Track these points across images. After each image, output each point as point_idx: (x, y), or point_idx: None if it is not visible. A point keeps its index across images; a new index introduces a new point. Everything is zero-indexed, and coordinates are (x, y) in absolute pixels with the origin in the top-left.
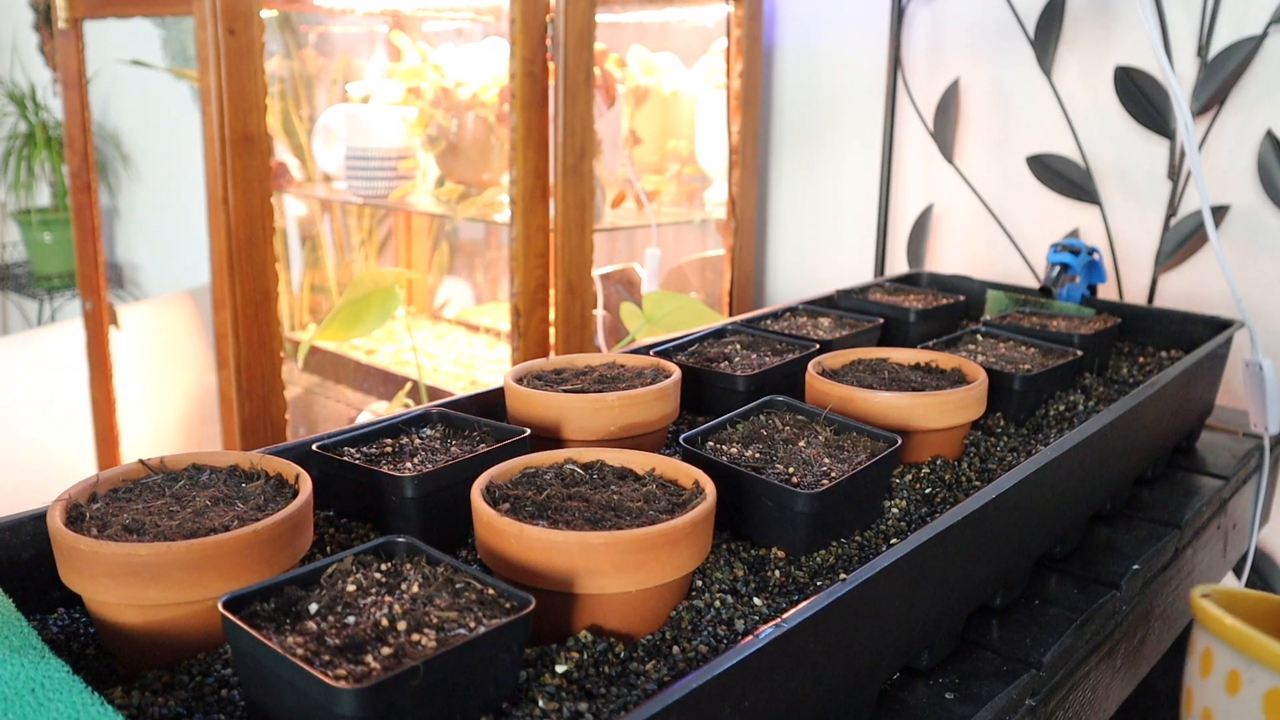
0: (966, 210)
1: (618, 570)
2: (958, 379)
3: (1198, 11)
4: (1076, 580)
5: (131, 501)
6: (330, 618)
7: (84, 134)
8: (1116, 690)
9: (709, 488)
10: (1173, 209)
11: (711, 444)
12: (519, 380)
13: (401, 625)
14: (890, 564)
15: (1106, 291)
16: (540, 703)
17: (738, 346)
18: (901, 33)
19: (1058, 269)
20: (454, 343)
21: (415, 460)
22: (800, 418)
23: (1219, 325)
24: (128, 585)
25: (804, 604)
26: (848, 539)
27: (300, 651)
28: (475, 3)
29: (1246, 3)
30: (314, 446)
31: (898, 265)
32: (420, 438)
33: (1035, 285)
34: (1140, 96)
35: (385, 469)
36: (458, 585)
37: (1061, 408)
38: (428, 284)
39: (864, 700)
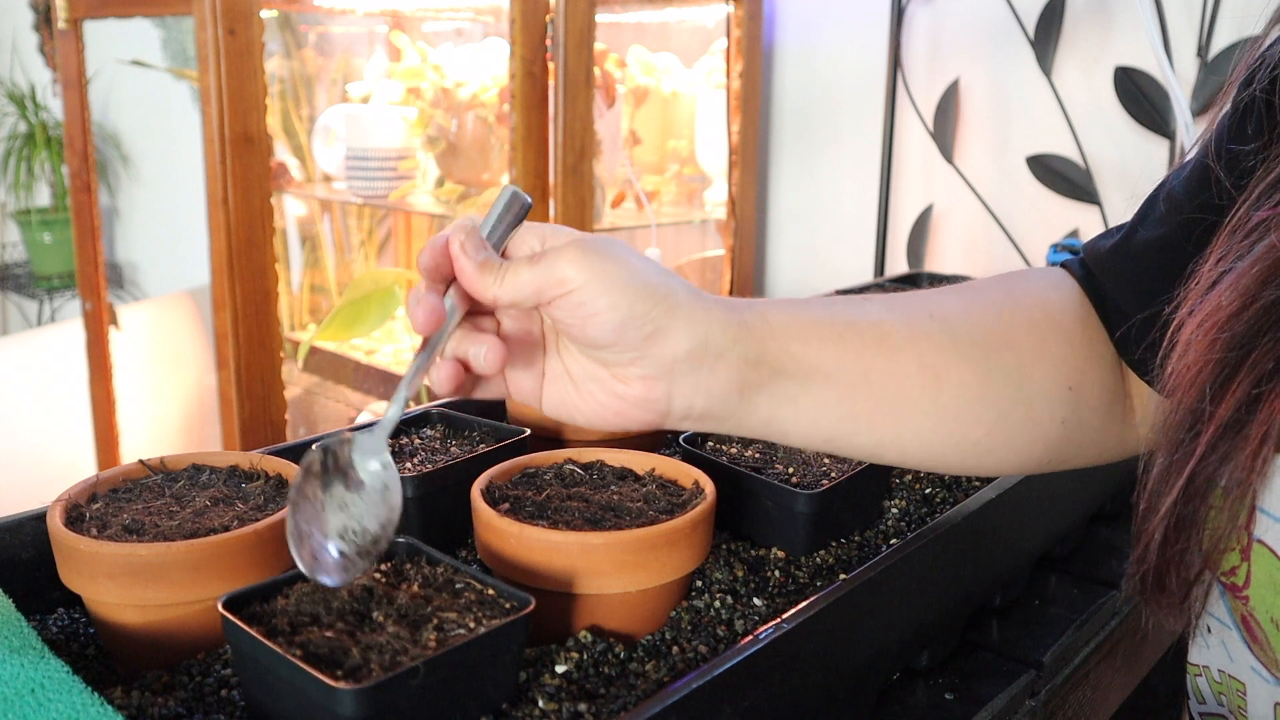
0: (966, 210)
1: (618, 570)
2: None
3: (1198, 11)
4: (1076, 580)
5: (131, 502)
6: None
7: (84, 134)
8: (1116, 690)
9: (709, 488)
10: None
11: (711, 444)
12: None
13: (402, 625)
14: (890, 564)
15: None
16: (540, 703)
17: None
18: (901, 33)
19: None
20: None
21: (415, 460)
22: None
23: None
24: (128, 585)
25: (804, 604)
26: (848, 539)
27: (300, 651)
28: (475, 3)
29: (1246, 3)
30: (314, 447)
31: (898, 265)
32: (420, 438)
33: None
34: (1140, 96)
35: None
36: (458, 585)
37: None
38: None
39: (864, 700)
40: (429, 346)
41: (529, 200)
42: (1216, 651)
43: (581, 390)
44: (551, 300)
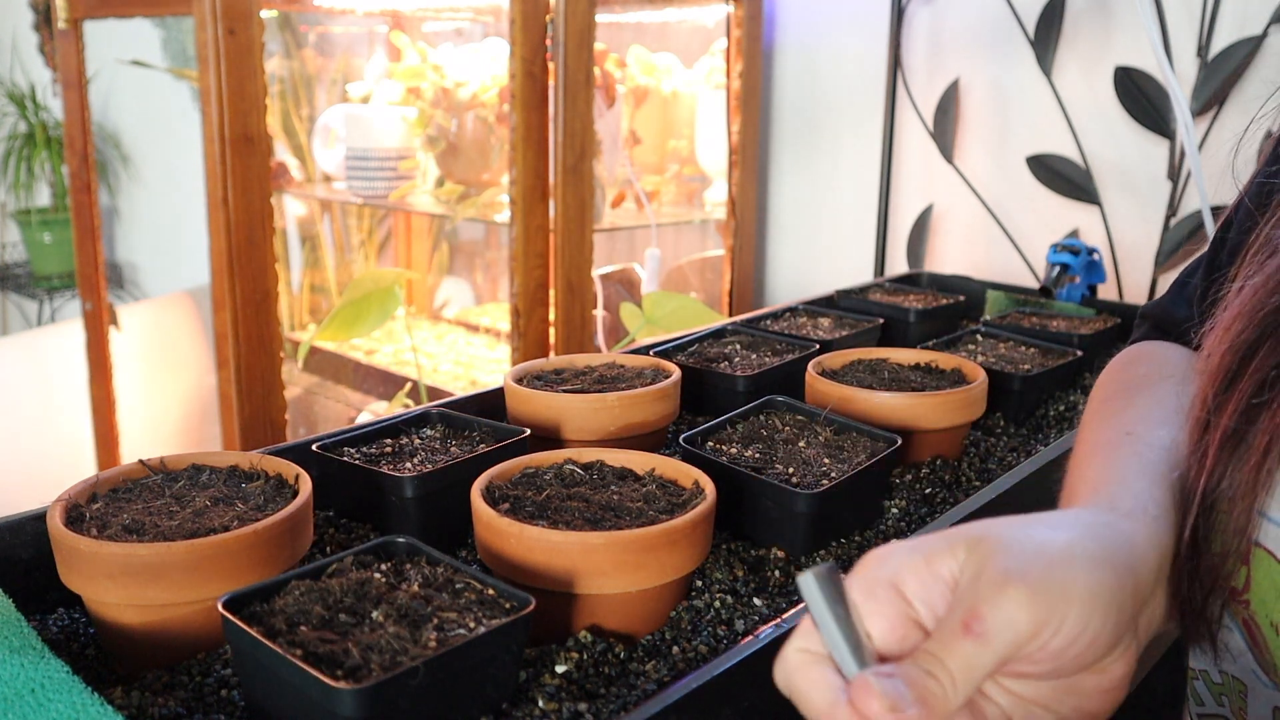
0: (966, 210)
1: (618, 570)
2: (958, 379)
3: (1198, 11)
4: None
5: (131, 502)
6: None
7: (84, 134)
8: None
9: (709, 488)
10: (1173, 209)
11: (711, 444)
12: (519, 380)
13: (402, 625)
14: None
15: (1106, 291)
16: (540, 703)
17: (738, 346)
18: (901, 33)
19: (1058, 269)
20: (454, 343)
21: (415, 460)
22: (800, 418)
23: None
24: (128, 585)
25: (804, 604)
26: (848, 539)
27: (300, 651)
28: (475, 3)
29: (1246, 3)
30: (314, 446)
31: (898, 265)
32: (420, 438)
33: (1035, 285)
34: (1140, 96)
35: (385, 469)
36: (458, 585)
37: (1061, 408)
38: (428, 284)
39: None
40: None
41: (834, 566)
42: (1219, 652)
43: (1064, 715)
44: (1023, 659)
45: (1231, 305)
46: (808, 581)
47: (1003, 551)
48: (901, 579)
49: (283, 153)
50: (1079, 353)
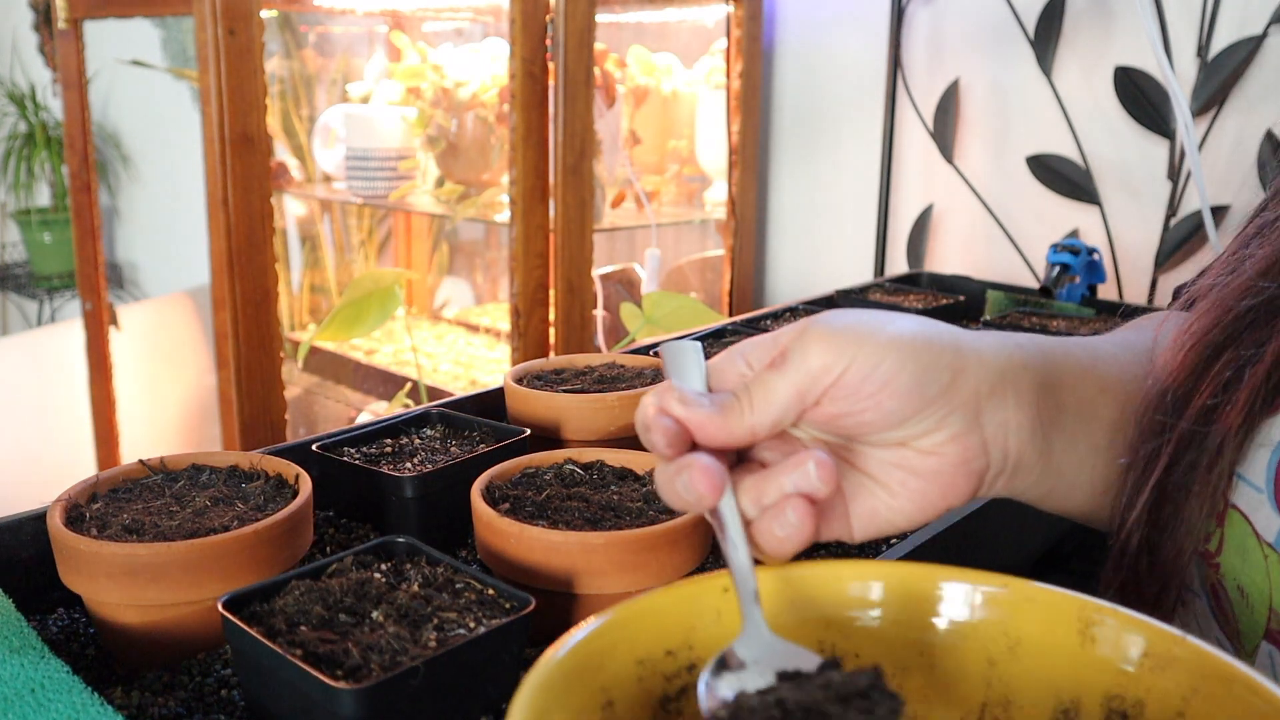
0: (966, 210)
1: (618, 570)
2: None
3: (1198, 11)
4: (1076, 580)
5: (131, 501)
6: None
7: (84, 134)
8: None
9: None
10: (1173, 209)
11: None
12: (519, 380)
13: (402, 625)
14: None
15: (1106, 291)
16: None
17: None
18: (901, 33)
19: (1058, 269)
20: (454, 343)
21: (415, 460)
22: None
23: None
24: (128, 585)
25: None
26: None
27: (300, 651)
28: (475, 3)
29: (1246, 3)
30: (314, 446)
31: (898, 265)
32: (420, 438)
33: (1035, 285)
34: (1140, 96)
35: (385, 469)
36: (458, 585)
37: None
38: (428, 284)
39: None
40: (725, 516)
41: (697, 343)
42: (1185, 623)
43: (892, 489)
44: (821, 397)
45: (1202, 301)
46: (667, 348)
47: (821, 315)
48: (749, 352)
49: (283, 153)
50: None
